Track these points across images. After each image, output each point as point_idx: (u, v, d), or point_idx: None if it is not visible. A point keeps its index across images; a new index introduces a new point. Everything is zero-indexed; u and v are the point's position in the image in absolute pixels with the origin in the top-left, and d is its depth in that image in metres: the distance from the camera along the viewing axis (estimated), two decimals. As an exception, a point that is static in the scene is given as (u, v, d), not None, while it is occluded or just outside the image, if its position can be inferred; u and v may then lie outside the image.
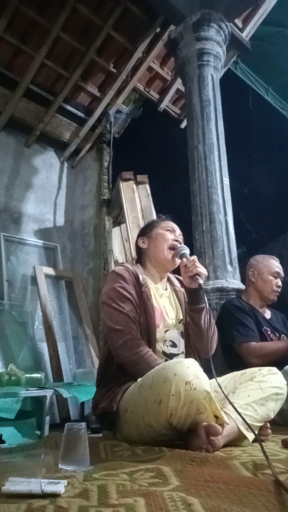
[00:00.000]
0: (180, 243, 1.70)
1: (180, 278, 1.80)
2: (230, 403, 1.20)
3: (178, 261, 1.66)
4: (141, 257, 1.77)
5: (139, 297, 1.55)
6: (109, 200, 4.02)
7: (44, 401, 2.16)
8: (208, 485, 0.78)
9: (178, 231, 1.77)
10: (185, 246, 1.68)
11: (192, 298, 1.57)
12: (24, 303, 3.48)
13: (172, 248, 1.67)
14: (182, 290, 1.72)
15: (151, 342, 1.50)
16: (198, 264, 1.55)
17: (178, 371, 1.15)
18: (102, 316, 1.58)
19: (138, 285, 1.58)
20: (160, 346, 1.53)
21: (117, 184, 3.76)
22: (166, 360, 1.39)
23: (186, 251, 1.64)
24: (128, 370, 1.42)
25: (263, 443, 1.32)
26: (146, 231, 1.79)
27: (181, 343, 1.59)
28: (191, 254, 1.64)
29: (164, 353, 1.53)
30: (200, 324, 1.56)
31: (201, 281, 1.50)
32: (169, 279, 1.77)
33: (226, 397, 1.21)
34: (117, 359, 1.47)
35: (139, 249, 1.78)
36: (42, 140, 4.10)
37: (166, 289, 1.71)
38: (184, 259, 1.59)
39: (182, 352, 1.58)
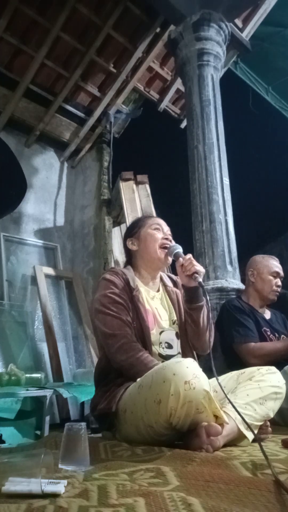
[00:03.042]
0: (170, 241, 1.66)
1: (172, 276, 1.79)
2: (230, 402, 1.20)
3: (170, 259, 1.63)
4: (131, 258, 1.73)
5: (131, 301, 1.54)
6: (109, 200, 4.02)
7: (44, 401, 2.17)
8: (208, 485, 0.78)
9: (166, 227, 1.72)
10: (177, 244, 1.64)
11: (191, 296, 1.56)
12: (24, 303, 3.48)
13: (163, 247, 1.64)
14: (175, 289, 1.70)
15: (146, 345, 1.49)
16: (195, 262, 1.51)
17: (177, 371, 1.15)
18: (97, 323, 1.56)
19: (129, 289, 1.56)
20: (156, 349, 1.52)
21: (117, 184, 3.76)
22: (163, 362, 1.39)
23: (179, 249, 1.60)
24: (126, 374, 1.42)
25: (263, 442, 1.34)
26: (133, 231, 1.73)
27: (176, 344, 1.59)
28: (186, 253, 1.59)
29: (160, 355, 1.52)
30: (199, 322, 1.56)
31: (200, 279, 1.48)
32: (161, 279, 1.74)
33: (226, 396, 1.21)
34: (114, 364, 1.46)
35: (128, 251, 1.74)
36: (42, 140, 4.10)
37: (158, 291, 1.69)
38: (180, 259, 1.55)
39: (179, 353, 1.58)
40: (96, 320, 1.56)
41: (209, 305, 1.54)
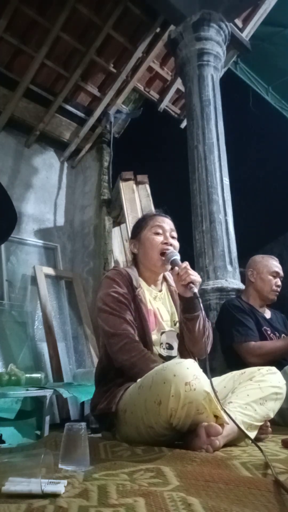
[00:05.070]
0: (171, 244, 1.61)
1: None
2: (224, 410, 1.19)
3: (169, 266, 1.58)
4: (135, 258, 1.72)
5: (133, 300, 1.53)
6: (109, 200, 4.02)
7: (44, 401, 2.17)
8: (208, 485, 0.78)
9: (168, 227, 1.66)
10: (175, 251, 1.58)
11: (187, 306, 1.52)
12: (24, 303, 3.48)
13: (161, 253, 1.59)
14: None
15: (147, 345, 1.48)
16: (191, 271, 1.47)
17: (178, 372, 1.15)
18: (99, 322, 1.55)
19: (132, 288, 1.55)
20: (156, 349, 1.52)
21: (117, 184, 3.76)
22: (164, 362, 1.38)
23: (177, 257, 1.55)
24: (128, 373, 1.41)
25: (264, 441, 1.34)
26: (136, 232, 1.71)
27: (177, 345, 1.58)
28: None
29: (161, 355, 1.52)
30: (194, 332, 1.53)
31: (195, 290, 1.44)
32: (165, 278, 1.72)
33: (220, 403, 1.19)
34: (116, 363, 1.46)
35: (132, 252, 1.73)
36: (42, 140, 4.10)
37: (161, 291, 1.67)
38: (176, 268, 1.51)
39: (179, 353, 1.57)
40: (99, 318, 1.55)
41: (203, 314, 1.51)
